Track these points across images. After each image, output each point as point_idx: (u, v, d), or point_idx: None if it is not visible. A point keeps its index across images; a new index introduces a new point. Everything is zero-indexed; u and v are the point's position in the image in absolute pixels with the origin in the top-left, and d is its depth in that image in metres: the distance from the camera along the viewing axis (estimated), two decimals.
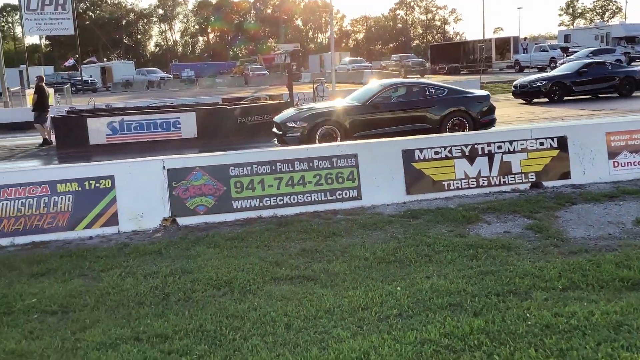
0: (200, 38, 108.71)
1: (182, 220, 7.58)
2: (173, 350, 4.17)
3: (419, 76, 43.29)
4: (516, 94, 23.20)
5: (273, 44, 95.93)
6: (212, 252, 6.33)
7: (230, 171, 7.71)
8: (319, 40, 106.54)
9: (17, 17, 77.58)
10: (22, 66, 48.90)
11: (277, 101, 17.09)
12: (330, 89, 21.86)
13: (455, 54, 57.08)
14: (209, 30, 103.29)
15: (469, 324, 4.25)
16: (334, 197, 8.00)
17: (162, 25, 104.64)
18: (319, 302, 4.86)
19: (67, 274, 5.88)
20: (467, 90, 14.53)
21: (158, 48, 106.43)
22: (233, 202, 7.70)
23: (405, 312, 4.59)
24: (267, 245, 6.52)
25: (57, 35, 54.35)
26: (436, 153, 8.34)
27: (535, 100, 22.51)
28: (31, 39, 65.52)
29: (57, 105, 24.04)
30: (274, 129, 13.15)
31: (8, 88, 28.27)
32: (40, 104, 17.01)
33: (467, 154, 8.43)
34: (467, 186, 8.40)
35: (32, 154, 16.14)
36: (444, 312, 4.54)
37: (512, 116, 18.58)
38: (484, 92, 14.46)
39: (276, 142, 12.86)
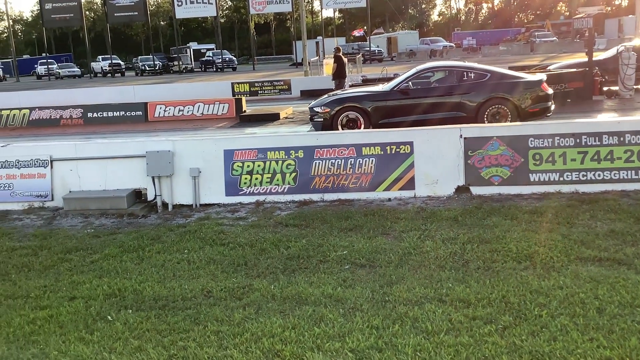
0: (485, 5, 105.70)
1: (476, 190, 7.57)
2: (477, 317, 4.23)
3: None
4: None
5: (563, 8, 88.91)
6: (510, 224, 6.21)
7: (529, 142, 7.42)
8: (617, 2, 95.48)
9: None
10: (319, 38, 53.50)
11: (573, 70, 15.82)
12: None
13: None
14: None
15: None
16: None
17: None
18: (636, 289, 4.47)
19: (371, 231, 6.33)
20: (517, 75, 12.06)
21: (441, 17, 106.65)
22: (530, 174, 7.42)
23: None
24: (570, 222, 6.16)
25: (349, 8, 57.97)
26: None
27: None
28: (325, 12, 70.94)
29: (350, 74, 25.75)
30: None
31: (309, 59, 31.19)
32: (339, 72, 18.46)
33: None
34: None
35: None
36: None
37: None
38: (536, 77, 11.78)
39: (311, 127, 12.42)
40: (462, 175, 7.60)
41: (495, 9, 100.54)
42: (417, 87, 11.93)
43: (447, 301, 4.53)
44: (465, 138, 7.57)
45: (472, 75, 11.78)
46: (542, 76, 11.93)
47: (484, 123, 10.82)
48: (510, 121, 11.02)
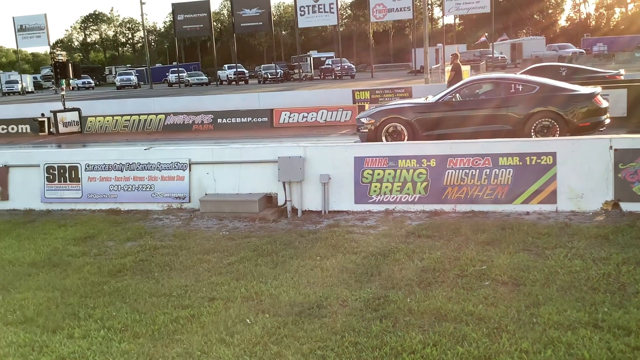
0: (617, 9, 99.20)
1: (626, 206, 6.97)
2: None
3: None
4: None
5: None
6: None
7: None
8: None
9: None
10: (439, 45, 52.60)
11: None
12: None
13: None
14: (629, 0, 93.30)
15: None
16: None
17: None
18: None
19: (511, 246, 5.98)
20: (569, 87, 10.94)
21: (569, 22, 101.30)
22: None
23: None
24: None
25: (471, 14, 56.48)
26: None
27: None
28: (445, 19, 69.82)
29: None
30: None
31: (429, 67, 30.70)
32: (457, 80, 17.89)
33: None
34: None
35: None
36: None
37: None
38: (588, 90, 10.63)
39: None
40: (611, 190, 7.03)
41: (629, 13, 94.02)
42: (463, 99, 11.64)
43: (604, 327, 4.14)
44: (615, 149, 7.00)
45: (520, 87, 11.36)
46: (597, 89, 11.10)
47: (531, 137, 10.28)
48: (560, 135, 10.35)
